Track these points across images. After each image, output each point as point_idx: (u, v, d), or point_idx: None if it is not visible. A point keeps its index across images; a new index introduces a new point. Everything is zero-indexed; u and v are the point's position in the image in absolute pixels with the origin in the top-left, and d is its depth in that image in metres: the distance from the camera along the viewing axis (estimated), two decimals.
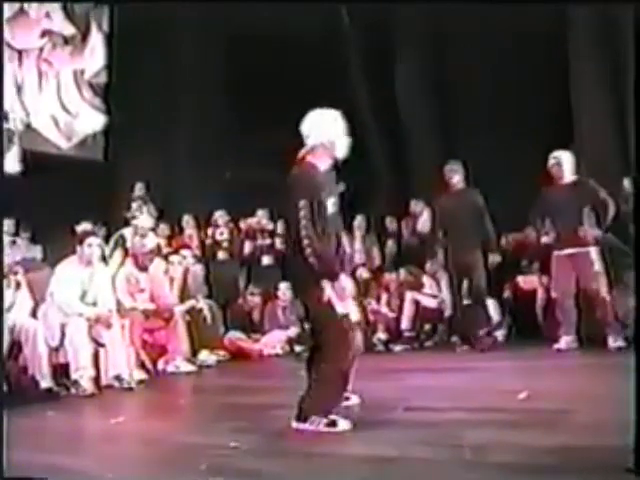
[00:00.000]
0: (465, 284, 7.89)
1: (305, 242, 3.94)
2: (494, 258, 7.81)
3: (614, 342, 6.73)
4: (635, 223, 6.20)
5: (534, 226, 7.46)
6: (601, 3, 9.05)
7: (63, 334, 6.15)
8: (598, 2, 9.11)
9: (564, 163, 7.22)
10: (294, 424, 4.00)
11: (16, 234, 9.49)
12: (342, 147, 4.22)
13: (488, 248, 7.76)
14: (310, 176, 4.12)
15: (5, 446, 3.39)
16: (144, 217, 9.33)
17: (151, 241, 8.09)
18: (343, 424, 3.92)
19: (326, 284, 3.96)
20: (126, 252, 8.22)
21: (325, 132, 4.17)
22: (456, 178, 7.93)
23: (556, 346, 7.00)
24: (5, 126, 10.75)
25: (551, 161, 7.26)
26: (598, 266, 6.98)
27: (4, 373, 5.59)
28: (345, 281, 4.19)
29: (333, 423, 3.92)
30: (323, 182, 4.13)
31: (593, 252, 6.97)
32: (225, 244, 10.03)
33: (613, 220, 7.07)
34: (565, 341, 7.01)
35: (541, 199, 7.36)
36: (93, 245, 6.51)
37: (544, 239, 7.39)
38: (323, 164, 4.21)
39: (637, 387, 2.85)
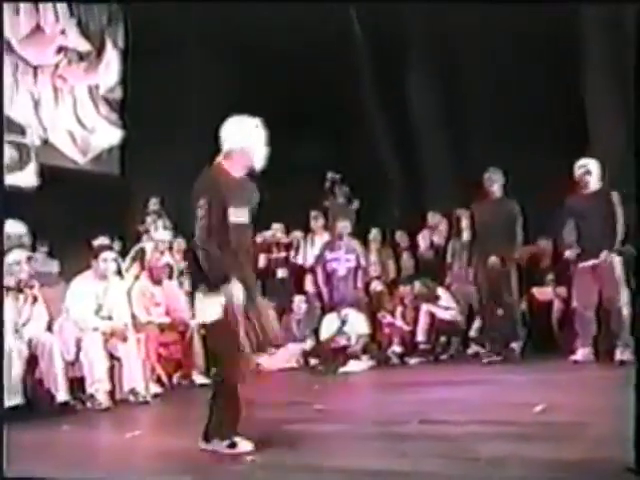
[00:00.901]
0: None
1: (198, 242, 3.86)
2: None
3: (621, 355, 6.67)
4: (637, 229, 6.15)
5: (562, 237, 7.34)
6: (611, 3, 9.00)
7: (79, 348, 6.18)
8: (605, 2, 9.08)
9: (593, 171, 7.10)
10: (201, 445, 3.95)
11: (33, 248, 9.54)
12: (259, 157, 4.06)
13: (508, 255, 7.72)
14: (216, 178, 3.99)
15: (5, 459, 3.39)
16: (162, 231, 9.37)
17: (166, 257, 8.14)
18: (244, 445, 3.84)
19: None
20: (143, 266, 8.27)
21: (241, 138, 4.02)
22: (495, 187, 7.88)
23: (573, 358, 6.94)
24: (22, 141, 10.86)
25: (580, 170, 7.14)
26: (619, 276, 6.90)
27: (4, 382, 5.60)
28: (235, 289, 3.93)
29: (233, 445, 3.84)
30: (232, 187, 3.98)
31: (616, 261, 6.87)
32: None
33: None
34: (582, 353, 6.95)
35: (566, 208, 7.28)
36: (108, 260, 6.56)
37: (567, 253, 7.30)
38: (237, 171, 4.06)
39: (637, 395, 2.85)
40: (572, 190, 7.24)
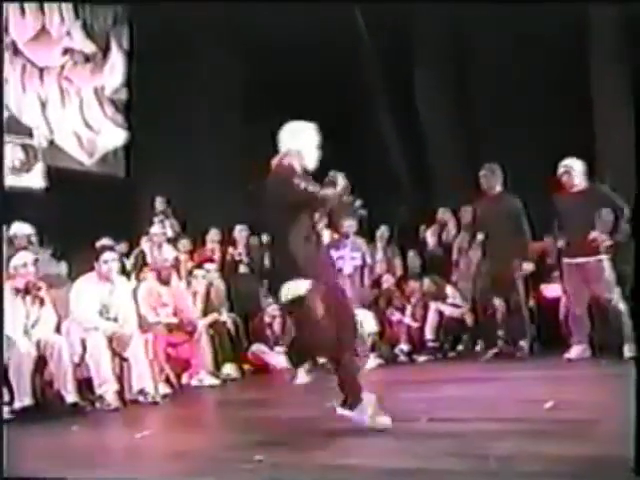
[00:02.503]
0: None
1: None
2: (527, 266, 7.71)
3: (629, 352, 6.63)
4: (634, 221, 6.13)
5: (553, 234, 7.37)
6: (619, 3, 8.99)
7: (84, 349, 6.19)
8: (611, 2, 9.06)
9: (574, 171, 7.08)
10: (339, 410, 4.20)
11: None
12: (312, 158, 4.46)
13: (523, 254, 7.66)
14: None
15: (12, 460, 3.40)
16: (156, 225, 9.41)
17: (169, 253, 8.15)
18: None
19: None
20: (146, 266, 8.29)
21: (296, 141, 4.41)
22: (493, 183, 7.82)
23: (567, 356, 6.91)
24: (29, 142, 10.90)
25: (561, 169, 7.13)
26: (609, 275, 6.86)
27: (4, 380, 5.62)
28: None
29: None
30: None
31: (604, 261, 6.86)
32: (245, 259, 10.01)
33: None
34: (576, 351, 6.92)
35: (553, 207, 7.28)
36: (109, 261, 6.52)
37: (559, 243, 7.30)
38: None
39: (637, 391, 2.85)
40: (560, 189, 7.23)
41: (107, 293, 6.47)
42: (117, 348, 6.31)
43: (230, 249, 10.08)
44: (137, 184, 11.88)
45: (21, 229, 7.65)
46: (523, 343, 7.67)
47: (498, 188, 7.78)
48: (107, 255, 6.57)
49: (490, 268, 7.73)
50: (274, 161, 4.44)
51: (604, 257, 6.86)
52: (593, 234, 6.81)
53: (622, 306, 6.78)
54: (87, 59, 11.92)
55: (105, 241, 8.63)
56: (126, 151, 12.21)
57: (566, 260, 7.14)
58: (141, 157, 11.98)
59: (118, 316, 6.47)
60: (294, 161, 4.38)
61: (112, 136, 12.04)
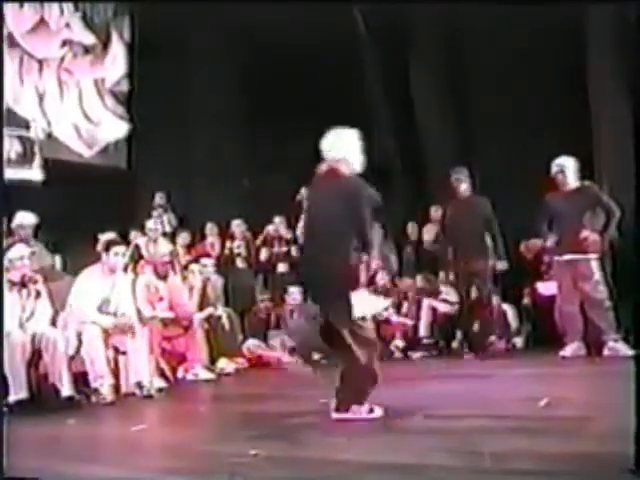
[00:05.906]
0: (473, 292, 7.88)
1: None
2: (502, 265, 7.78)
3: (609, 350, 6.69)
4: (636, 222, 6.15)
5: (541, 234, 7.38)
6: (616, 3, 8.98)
7: (80, 342, 6.18)
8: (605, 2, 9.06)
9: (567, 170, 7.14)
10: (334, 415, 4.34)
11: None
12: (359, 163, 4.60)
13: (496, 255, 7.72)
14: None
15: (10, 454, 3.40)
16: (152, 220, 9.40)
17: (165, 247, 8.13)
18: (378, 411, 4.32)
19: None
20: (142, 260, 8.28)
21: (344, 148, 4.57)
22: (463, 186, 7.91)
23: (562, 353, 6.93)
24: (26, 135, 10.87)
25: (554, 168, 7.19)
26: (598, 275, 6.90)
27: (8, 377, 5.62)
28: None
29: (372, 410, 4.32)
30: None
31: (593, 260, 6.90)
32: (243, 253, 10.05)
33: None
34: (571, 349, 6.94)
35: (545, 206, 7.31)
36: (119, 254, 6.55)
37: (548, 243, 7.32)
38: None
39: (637, 389, 2.86)
40: (553, 188, 7.26)
41: (109, 287, 6.46)
42: (114, 342, 6.31)
43: (228, 242, 10.12)
44: (138, 177, 11.86)
45: (27, 219, 7.64)
46: (493, 339, 7.73)
47: (468, 192, 7.90)
48: (118, 248, 6.58)
49: (462, 269, 7.79)
50: (327, 166, 4.55)
51: (593, 256, 6.88)
52: (584, 233, 6.85)
53: (609, 306, 6.81)
54: (87, 50, 11.86)
55: (110, 234, 8.62)
56: (127, 143, 12.16)
57: (556, 258, 7.17)
58: (142, 149, 11.95)
59: (118, 309, 6.45)
60: (344, 167, 4.51)
61: (112, 128, 11.98)
